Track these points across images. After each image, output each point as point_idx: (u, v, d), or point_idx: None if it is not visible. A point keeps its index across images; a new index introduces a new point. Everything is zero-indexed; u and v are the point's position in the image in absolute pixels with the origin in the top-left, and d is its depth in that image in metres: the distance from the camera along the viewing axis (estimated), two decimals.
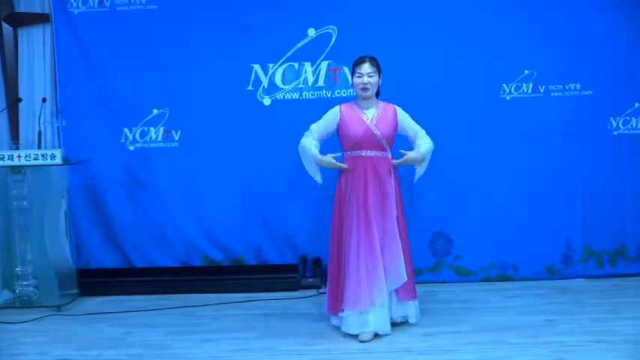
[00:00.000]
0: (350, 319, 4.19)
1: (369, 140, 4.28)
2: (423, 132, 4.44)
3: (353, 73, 4.33)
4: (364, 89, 4.27)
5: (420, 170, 4.45)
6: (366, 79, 4.25)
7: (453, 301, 4.91)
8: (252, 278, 5.31)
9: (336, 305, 4.31)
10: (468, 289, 5.17)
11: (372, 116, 4.31)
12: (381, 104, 4.38)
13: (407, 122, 4.42)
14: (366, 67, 4.26)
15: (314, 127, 4.42)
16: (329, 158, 4.34)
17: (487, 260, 5.38)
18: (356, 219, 4.22)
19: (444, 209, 5.35)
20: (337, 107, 4.39)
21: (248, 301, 5.06)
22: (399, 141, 4.48)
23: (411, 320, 4.38)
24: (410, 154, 4.34)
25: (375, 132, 4.28)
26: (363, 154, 4.29)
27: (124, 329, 4.51)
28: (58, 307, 4.92)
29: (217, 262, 5.48)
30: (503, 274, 5.38)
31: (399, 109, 4.40)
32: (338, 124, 4.35)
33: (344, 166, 4.32)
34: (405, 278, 4.23)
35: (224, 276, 5.35)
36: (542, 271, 5.37)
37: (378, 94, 4.40)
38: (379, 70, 4.31)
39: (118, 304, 5.03)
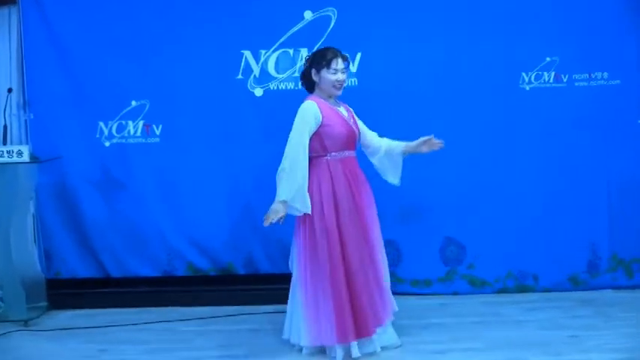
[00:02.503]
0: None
1: (351, 140, 4.31)
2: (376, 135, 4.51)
3: (322, 67, 4.22)
4: (337, 88, 4.27)
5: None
6: (340, 75, 4.25)
7: (465, 314, 4.90)
8: (241, 289, 5.31)
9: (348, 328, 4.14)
10: (483, 302, 5.17)
11: (346, 114, 4.34)
12: (340, 102, 4.41)
13: (360, 122, 4.46)
14: (341, 63, 4.25)
15: (302, 138, 4.18)
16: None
17: (504, 269, 5.37)
18: (352, 227, 4.19)
19: (456, 212, 5.33)
20: (313, 103, 4.24)
21: (237, 314, 5.04)
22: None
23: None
24: (420, 144, 4.37)
25: (355, 130, 4.33)
26: (345, 155, 4.29)
27: (98, 346, 4.50)
28: (25, 322, 4.90)
29: (203, 272, 5.47)
30: (522, 284, 5.37)
31: (353, 110, 4.46)
32: (322, 122, 4.22)
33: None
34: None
35: (210, 287, 5.35)
36: (565, 281, 5.36)
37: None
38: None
39: (92, 319, 5.01)
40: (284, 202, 4.16)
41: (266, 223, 4.18)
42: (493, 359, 4.08)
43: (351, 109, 4.43)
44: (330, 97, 4.30)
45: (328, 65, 4.22)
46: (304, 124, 4.18)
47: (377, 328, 4.19)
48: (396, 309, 4.36)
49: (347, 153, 4.28)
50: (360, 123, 4.43)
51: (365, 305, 4.14)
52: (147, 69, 5.33)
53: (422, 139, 4.34)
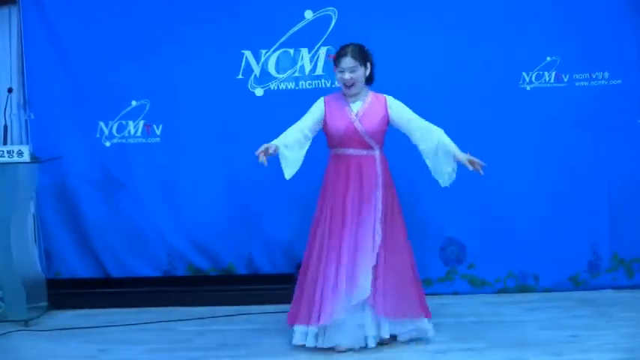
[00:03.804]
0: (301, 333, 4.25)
1: (353, 137, 4.28)
2: (425, 123, 4.33)
3: (335, 65, 4.32)
4: (347, 87, 4.28)
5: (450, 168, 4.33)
6: (347, 75, 4.25)
7: (466, 314, 4.91)
8: (242, 289, 5.31)
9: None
10: (483, 302, 5.18)
11: (358, 110, 4.31)
12: (371, 95, 4.37)
13: (401, 113, 4.34)
14: (348, 62, 4.24)
15: (302, 120, 4.39)
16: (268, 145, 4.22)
17: (504, 269, 5.39)
18: (329, 223, 4.26)
19: (456, 212, 5.35)
20: (322, 99, 4.40)
21: (237, 314, 5.05)
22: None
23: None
24: (466, 155, 4.24)
25: (358, 128, 4.27)
26: (346, 153, 4.31)
27: (98, 346, 4.49)
28: (26, 322, 4.91)
29: (203, 272, 5.49)
30: (523, 284, 5.39)
31: (390, 100, 4.37)
32: (323, 119, 4.35)
33: (261, 157, 4.21)
34: (368, 292, 4.16)
35: (211, 287, 5.35)
36: (566, 281, 5.38)
37: (371, 80, 4.38)
38: (365, 59, 4.30)
39: (92, 319, 5.01)
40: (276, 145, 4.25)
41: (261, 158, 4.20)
42: (494, 359, 4.06)
43: (384, 103, 4.31)
44: (347, 94, 4.32)
45: (337, 64, 4.28)
46: (309, 112, 4.37)
47: (308, 322, 4.21)
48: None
49: (348, 150, 4.29)
50: (398, 115, 4.30)
51: (304, 298, 4.27)
52: (147, 69, 5.34)
53: (470, 157, 4.24)
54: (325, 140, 4.42)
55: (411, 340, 4.33)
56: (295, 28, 5.31)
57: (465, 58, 5.27)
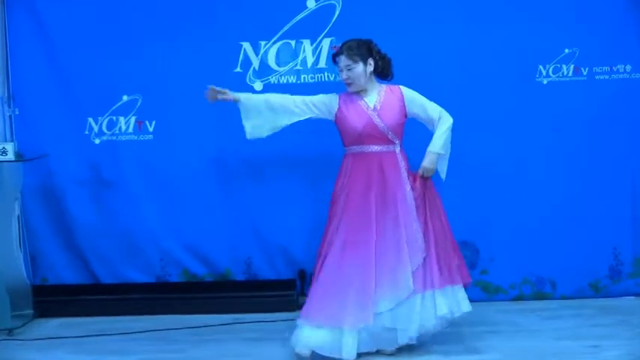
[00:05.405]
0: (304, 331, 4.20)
1: (372, 133, 4.31)
2: (439, 110, 4.40)
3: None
4: (348, 84, 4.35)
5: (442, 166, 4.44)
6: (345, 74, 4.32)
7: (479, 323, 4.87)
8: (240, 296, 5.31)
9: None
10: (498, 309, 5.17)
11: (374, 104, 4.34)
12: (385, 88, 4.42)
13: (416, 102, 4.39)
14: (343, 60, 4.31)
15: (310, 96, 4.47)
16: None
17: (520, 275, 5.39)
18: (353, 227, 4.24)
19: (469, 214, 5.31)
20: (336, 94, 4.44)
21: (235, 323, 5.05)
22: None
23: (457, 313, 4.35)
24: (423, 163, 4.33)
25: (377, 123, 4.29)
26: (366, 150, 4.33)
27: (88, 357, 4.49)
28: (10, 331, 4.91)
29: (199, 278, 5.49)
30: (539, 291, 5.38)
31: (405, 90, 4.42)
32: (336, 115, 4.38)
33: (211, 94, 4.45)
34: (410, 290, 4.18)
35: (207, 294, 5.36)
36: (586, 287, 5.37)
37: (386, 75, 4.42)
38: (363, 55, 4.33)
39: (81, 327, 5.02)
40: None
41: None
42: None
43: (399, 93, 4.37)
44: (351, 92, 4.37)
45: (335, 62, 4.37)
46: (321, 95, 4.44)
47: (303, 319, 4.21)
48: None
49: (367, 148, 4.30)
50: (414, 105, 4.36)
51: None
52: (139, 62, 5.33)
53: (423, 168, 4.36)
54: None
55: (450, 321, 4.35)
56: (297, 18, 5.31)
57: (478, 51, 5.26)
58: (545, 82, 5.28)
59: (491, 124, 5.24)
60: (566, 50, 5.26)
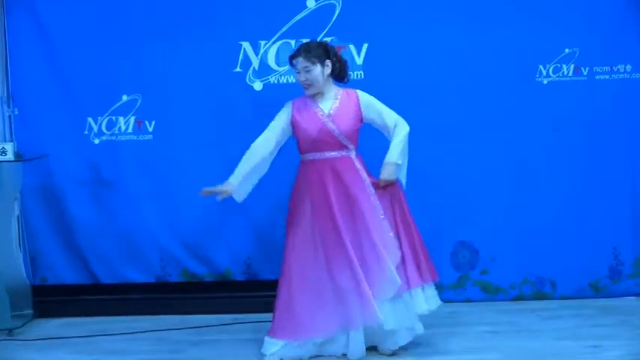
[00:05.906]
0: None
1: (326, 139, 4.29)
2: (395, 117, 4.36)
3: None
4: (305, 87, 4.33)
5: (401, 174, 4.40)
6: (302, 76, 4.30)
7: (478, 323, 4.91)
8: (240, 296, 5.33)
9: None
10: (497, 310, 5.17)
11: (329, 109, 4.32)
12: (341, 92, 4.39)
13: (373, 107, 4.36)
14: (300, 62, 4.28)
15: (268, 130, 4.43)
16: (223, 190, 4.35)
17: (519, 275, 5.38)
18: (318, 233, 4.25)
19: (469, 214, 5.33)
20: (289, 103, 4.44)
21: (235, 323, 5.06)
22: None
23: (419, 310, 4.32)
24: (382, 176, 4.30)
25: (331, 128, 4.27)
26: (321, 157, 4.32)
27: (88, 357, 4.50)
28: (10, 331, 4.92)
29: (199, 278, 5.48)
30: (539, 291, 5.38)
31: (361, 95, 4.39)
32: (292, 123, 4.37)
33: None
34: (399, 282, 4.19)
35: (207, 294, 5.37)
36: (586, 287, 5.36)
37: (342, 77, 4.41)
38: (321, 56, 4.30)
39: (81, 328, 5.03)
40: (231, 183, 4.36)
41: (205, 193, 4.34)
42: None
43: (355, 98, 4.36)
44: (308, 95, 4.36)
45: (292, 64, 4.36)
46: (276, 118, 4.41)
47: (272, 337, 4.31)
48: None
49: (321, 154, 4.29)
50: (370, 110, 4.35)
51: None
52: (139, 61, 5.32)
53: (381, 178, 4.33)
54: None
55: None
56: (297, 18, 5.31)
57: (478, 50, 5.25)
58: (545, 82, 5.28)
59: (491, 124, 5.23)
60: (567, 50, 5.25)
